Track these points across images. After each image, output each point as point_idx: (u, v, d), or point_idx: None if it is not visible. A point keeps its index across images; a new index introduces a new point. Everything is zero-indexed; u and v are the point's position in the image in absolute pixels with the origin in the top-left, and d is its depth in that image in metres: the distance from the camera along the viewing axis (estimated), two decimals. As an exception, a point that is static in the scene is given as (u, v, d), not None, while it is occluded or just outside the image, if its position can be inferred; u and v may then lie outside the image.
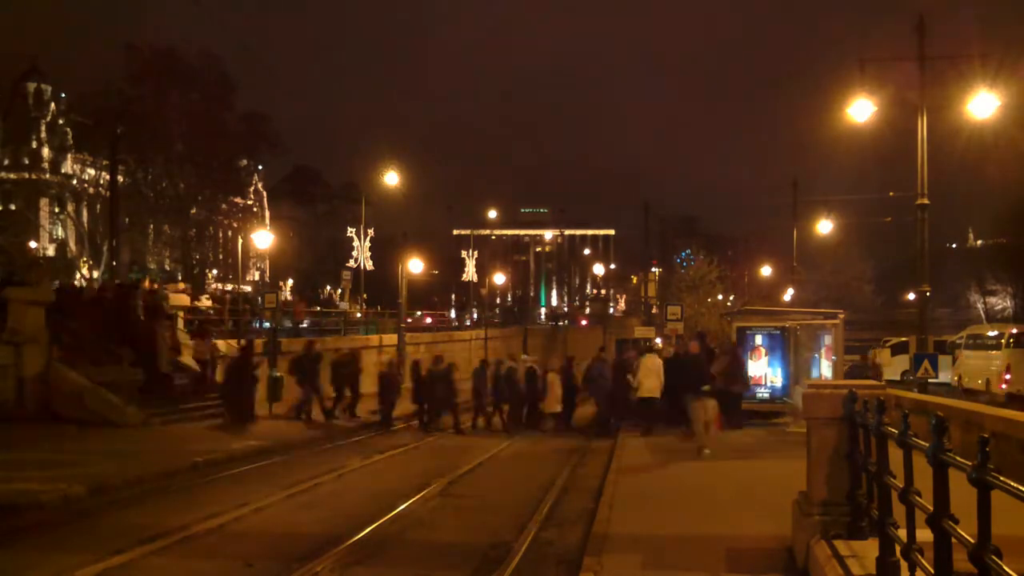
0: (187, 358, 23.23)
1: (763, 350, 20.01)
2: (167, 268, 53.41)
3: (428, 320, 51.87)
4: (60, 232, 55.06)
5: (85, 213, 53.16)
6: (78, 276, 48.02)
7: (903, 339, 38.41)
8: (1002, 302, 64.69)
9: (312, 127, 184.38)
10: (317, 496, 11.76)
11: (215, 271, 67.37)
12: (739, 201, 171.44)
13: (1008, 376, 27.44)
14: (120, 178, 37.61)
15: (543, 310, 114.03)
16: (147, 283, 32.53)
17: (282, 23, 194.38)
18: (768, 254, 59.61)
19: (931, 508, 4.12)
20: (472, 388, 21.24)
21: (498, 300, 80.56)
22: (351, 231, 53.89)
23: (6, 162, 55.55)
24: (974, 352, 31.60)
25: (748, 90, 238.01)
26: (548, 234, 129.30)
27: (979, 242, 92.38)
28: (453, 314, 77.56)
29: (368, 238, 53.42)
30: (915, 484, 4.78)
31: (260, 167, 71.95)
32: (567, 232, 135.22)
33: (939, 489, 4.06)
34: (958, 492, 3.92)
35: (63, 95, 57.84)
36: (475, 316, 60.76)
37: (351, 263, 51.79)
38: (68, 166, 58.42)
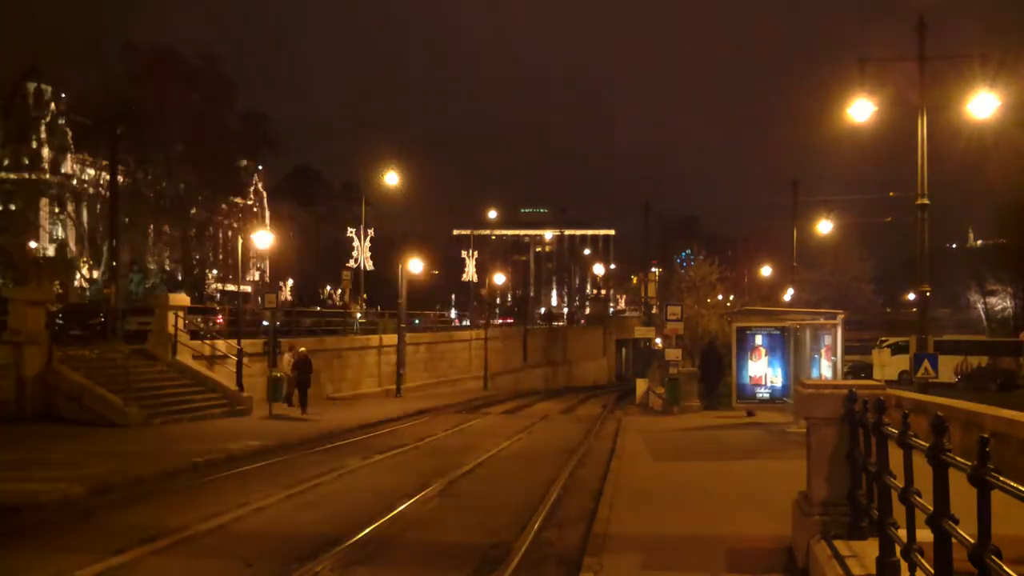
0: (186, 358, 23.24)
1: (763, 350, 20.04)
2: (167, 268, 53.42)
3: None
4: (60, 232, 55.04)
5: (85, 213, 53.14)
6: (78, 276, 48.03)
7: (903, 339, 38.47)
8: (1002, 302, 64.63)
9: (312, 127, 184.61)
10: (317, 496, 11.76)
11: (215, 271, 67.35)
12: (739, 201, 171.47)
13: None
14: (120, 178, 37.60)
15: (543, 310, 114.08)
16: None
17: (283, 23, 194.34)
18: (768, 254, 59.47)
19: (931, 508, 4.11)
20: None
21: (498, 300, 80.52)
22: (351, 231, 53.82)
23: (6, 162, 55.53)
24: None
25: (748, 90, 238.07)
26: (548, 234, 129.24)
27: (979, 242, 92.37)
28: (454, 314, 77.52)
29: (368, 238, 53.34)
30: (915, 484, 4.77)
31: (260, 167, 72.03)
32: (567, 232, 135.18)
33: (939, 489, 4.05)
34: (958, 492, 3.91)
35: (63, 95, 57.80)
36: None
37: (351, 263, 51.73)
38: (68, 166, 58.39)
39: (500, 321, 55.71)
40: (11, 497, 10.60)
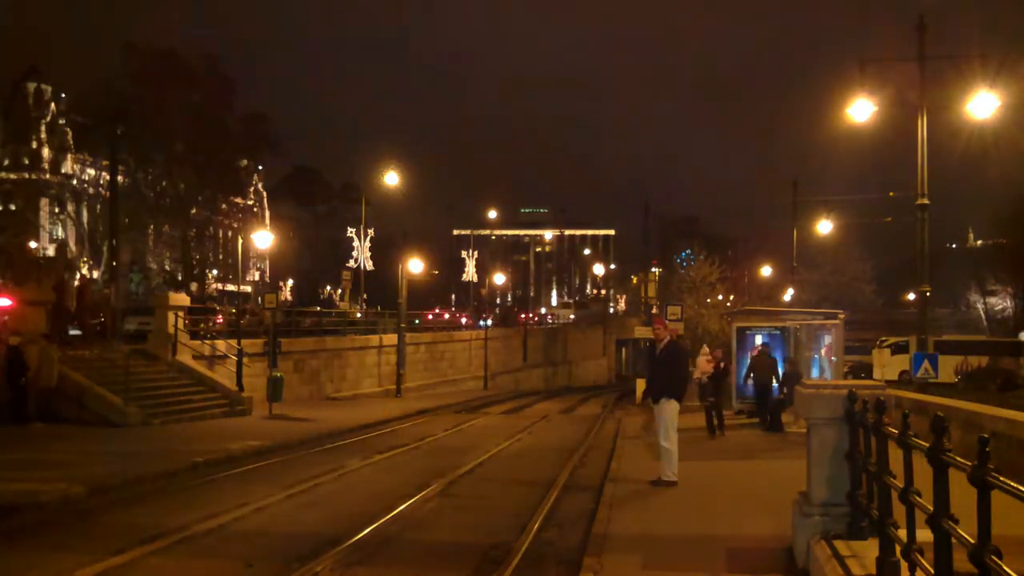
0: (186, 358, 23.23)
1: (763, 350, 20.01)
2: (167, 268, 53.43)
3: (432, 315, 50.90)
4: (60, 232, 55.10)
5: (85, 213, 53.20)
6: (78, 276, 48.06)
7: (903, 339, 38.48)
8: (1002, 302, 64.69)
9: (312, 127, 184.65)
10: (317, 496, 11.75)
11: (215, 271, 67.37)
12: (739, 201, 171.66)
13: None
14: (120, 178, 37.64)
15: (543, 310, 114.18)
16: None
17: (283, 23, 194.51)
18: (768, 254, 59.50)
19: (931, 508, 4.11)
20: None
21: (498, 300, 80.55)
22: (351, 231, 53.99)
23: (6, 162, 55.65)
24: None
25: (749, 90, 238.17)
26: (548, 234, 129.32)
27: (979, 242, 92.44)
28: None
29: (368, 238, 53.50)
30: (915, 484, 4.77)
31: (260, 167, 72.07)
32: (567, 232, 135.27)
33: (939, 489, 4.05)
34: (958, 492, 3.91)
35: (63, 95, 57.92)
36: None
37: (351, 263, 51.84)
38: (68, 166, 58.43)
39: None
40: (11, 497, 10.59)
